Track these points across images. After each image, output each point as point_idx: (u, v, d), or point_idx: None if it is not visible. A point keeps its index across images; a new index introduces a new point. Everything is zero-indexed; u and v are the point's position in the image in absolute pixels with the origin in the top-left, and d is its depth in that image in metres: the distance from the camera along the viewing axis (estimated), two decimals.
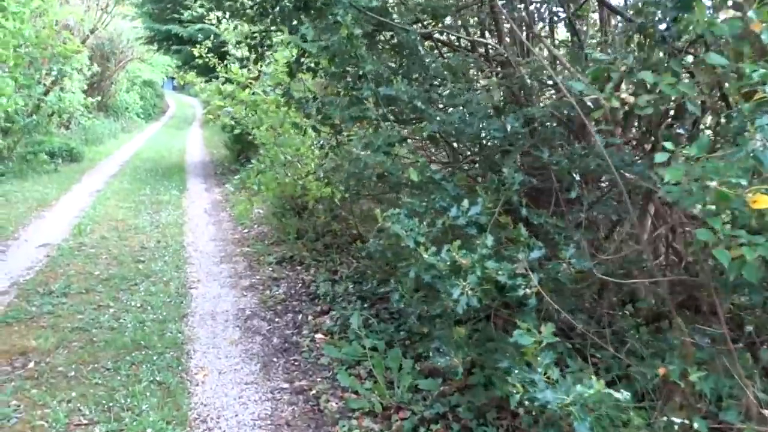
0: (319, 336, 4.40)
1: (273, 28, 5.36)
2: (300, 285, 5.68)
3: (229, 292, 5.58)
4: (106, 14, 18.32)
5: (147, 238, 7.51)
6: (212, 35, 9.64)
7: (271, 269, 6.21)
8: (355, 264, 5.87)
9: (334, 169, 6.65)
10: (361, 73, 3.41)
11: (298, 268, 6.19)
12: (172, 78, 45.62)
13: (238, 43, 7.60)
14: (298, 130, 6.37)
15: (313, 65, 5.12)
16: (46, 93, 14.62)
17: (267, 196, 7.15)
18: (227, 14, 6.61)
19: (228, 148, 15.44)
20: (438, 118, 3.33)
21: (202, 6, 9.70)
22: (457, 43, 4.43)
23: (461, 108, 3.40)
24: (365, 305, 4.61)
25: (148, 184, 11.81)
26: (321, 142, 6.03)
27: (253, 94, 6.58)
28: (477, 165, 3.74)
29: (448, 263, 2.56)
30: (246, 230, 8.00)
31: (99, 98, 19.91)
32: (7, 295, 5.28)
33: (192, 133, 25.70)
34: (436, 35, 4.13)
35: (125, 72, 25.41)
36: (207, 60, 9.34)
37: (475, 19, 4.33)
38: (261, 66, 6.68)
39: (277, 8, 4.82)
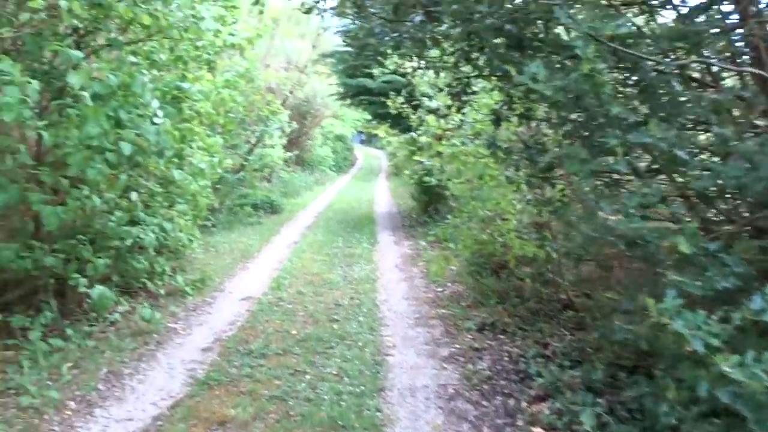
0: (538, 431, 3.69)
1: (475, 73, 4.94)
2: (506, 359, 5.01)
3: (428, 363, 5.08)
4: (303, 74, 19.61)
5: (341, 294, 7.36)
6: (402, 87, 9.61)
7: (471, 337, 5.62)
8: (568, 337, 5.08)
9: (541, 226, 5.99)
10: (604, 117, 2.77)
11: (501, 336, 5.53)
12: (360, 132, 48.40)
13: (440, 90, 7.34)
14: (499, 183, 5.83)
15: (524, 111, 4.59)
16: (250, 151, 15.79)
17: (462, 253, 6.64)
18: (422, 63, 6.39)
19: (415, 199, 15.38)
20: (710, 171, 2.56)
21: (396, 59, 9.76)
22: (710, 77, 3.60)
23: (742, 157, 2.60)
24: (594, 396, 3.81)
25: (340, 236, 11.98)
26: (528, 197, 5.42)
27: (452, 145, 6.20)
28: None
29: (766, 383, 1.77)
30: (440, 289, 7.54)
31: (297, 153, 21.21)
32: (210, 352, 5.29)
33: (379, 184, 26.46)
34: (693, 66, 3.36)
35: (320, 128, 27.09)
36: (400, 111, 9.25)
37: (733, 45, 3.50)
38: (459, 115, 6.30)
39: (484, 52, 4.38)
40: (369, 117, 13.94)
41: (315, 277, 8.24)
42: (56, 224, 4.27)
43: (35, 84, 3.94)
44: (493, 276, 7.19)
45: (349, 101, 14.22)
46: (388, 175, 30.45)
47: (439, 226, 10.06)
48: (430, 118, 6.34)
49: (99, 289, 5.43)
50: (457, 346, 5.46)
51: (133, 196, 6.89)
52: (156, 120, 6.02)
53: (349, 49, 13.38)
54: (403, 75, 10.46)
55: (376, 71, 11.56)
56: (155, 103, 6.11)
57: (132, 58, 6.09)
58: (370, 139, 54.89)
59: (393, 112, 9.67)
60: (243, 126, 14.80)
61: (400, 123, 10.81)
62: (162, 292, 6.94)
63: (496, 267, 7.28)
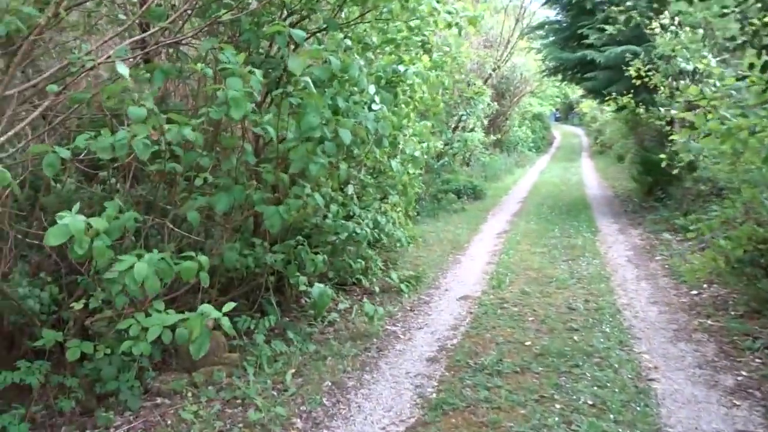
0: None
1: None
2: None
3: (709, 395, 4.00)
4: (506, 51, 18.59)
5: (571, 295, 6.43)
6: (634, 55, 8.26)
7: (759, 361, 4.40)
8: None
9: None
10: None
11: None
12: (556, 109, 45.88)
13: (704, 47, 6.00)
14: None
15: None
16: (452, 135, 15.23)
17: (733, 251, 5.33)
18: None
19: (636, 180, 13.69)
20: None
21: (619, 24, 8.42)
22: None
23: None
24: None
25: (554, 223, 10.92)
26: None
27: (720, 118, 4.87)
28: None
29: None
30: (694, 291, 6.26)
31: (499, 136, 20.31)
32: (436, 364, 4.72)
33: (583, 163, 24.57)
34: None
35: (518, 107, 25.82)
36: (647, 78, 7.90)
37: None
38: (730, 80, 4.98)
39: None
40: (584, 91, 12.53)
41: (537, 274, 7.38)
42: (279, 225, 3.97)
43: (258, 74, 3.59)
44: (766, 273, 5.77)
45: (561, 76, 12.96)
46: (592, 154, 28.24)
47: (704, 222, 8.58)
48: (693, 88, 5.09)
49: (319, 288, 5.14)
50: (744, 374, 4.28)
51: (349, 189, 6.62)
52: (374, 106, 5.60)
53: (560, 18, 12.14)
54: (637, 41, 9.09)
55: (594, 39, 10.20)
56: (372, 88, 5.68)
57: (347, 42, 5.70)
58: (566, 116, 52.03)
59: (633, 82, 8.28)
60: (446, 109, 14.29)
61: (638, 93, 9.34)
62: (376, 289, 6.59)
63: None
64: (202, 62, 4.06)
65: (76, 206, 2.89)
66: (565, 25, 12.05)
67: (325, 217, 5.99)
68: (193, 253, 3.35)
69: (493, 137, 19.51)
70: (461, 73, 14.12)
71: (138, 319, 3.24)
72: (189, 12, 4.60)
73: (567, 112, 51.45)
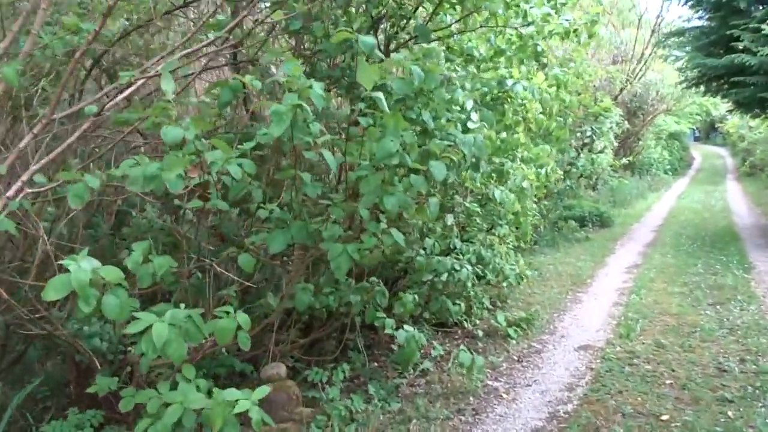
0: None
1: None
2: None
3: None
4: (641, 65, 17.10)
5: (721, 350, 5.22)
6: None
7: None
8: None
9: None
10: None
11: None
12: (695, 128, 42.21)
13: None
14: None
15: None
16: (577, 156, 14.00)
17: None
18: None
19: None
20: None
21: None
22: None
23: None
24: None
25: (696, 257, 9.45)
26: None
27: None
28: None
29: None
30: None
31: (630, 158, 18.66)
32: None
33: (729, 187, 22.00)
34: None
35: (652, 126, 23.74)
36: None
37: None
38: None
39: None
40: (732, 104, 10.89)
41: (675, 320, 6.17)
42: (347, 266, 3.31)
43: (317, 87, 2.99)
44: None
45: (703, 88, 11.40)
46: (739, 177, 25.30)
47: None
48: None
49: (407, 333, 4.43)
50: None
51: (449, 219, 5.88)
52: (470, 125, 4.85)
53: (703, 23, 10.65)
54: None
55: (748, 42, 8.73)
56: (470, 104, 4.94)
57: (443, 53, 5.02)
58: (707, 136, 47.82)
59: None
60: (569, 128, 13.15)
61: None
62: (480, 333, 5.76)
63: None
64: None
65: (84, 251, 2.39)
66: (709, 29, 10.55)
67: (421, 252, 5.28)
68: (230, 308, 2.75)
69: (624, 159, 17.87)
70: (587, 89, 12.95)
71: (161, 391, 2.69)
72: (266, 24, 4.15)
73: (708, 131, 47.48)
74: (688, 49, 11.13)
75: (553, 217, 12.57)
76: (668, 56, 13.64)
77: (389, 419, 4.07)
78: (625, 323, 6.08)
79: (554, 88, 7.72)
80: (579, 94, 12.59)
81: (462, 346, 4.97)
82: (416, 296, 5.01)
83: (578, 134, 13.54)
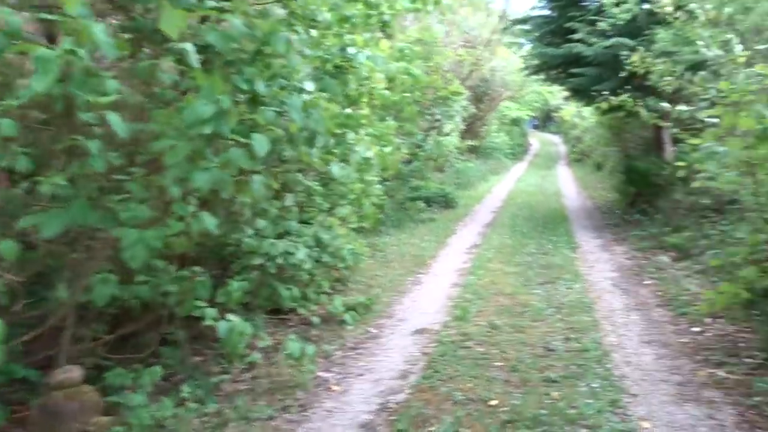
0: None
1: None
2: None
3: None
4: (485, 51, 17.64)
5: (549, 330, 5.34)
6: (630, 49, 7.23)
7: None
8: None
9: None
10: None
11: None
12: (533, 116, 45.17)
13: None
14: None
15: None
16: (425, 138, 14.17)
17: (757, 281, 4.27)
18: None
19: (618, 190, 12.73)
20: None
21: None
22: None
23: None
24: None
25: (530, 237, 9.88)
26: None
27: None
28: None
29: None
30: (696, 328, 5.21)
31: (476, 143, 19.29)
32: None
33: (561, 172, 23.72)
34: None
35: (495, 112, 24.88)
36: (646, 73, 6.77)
37: None
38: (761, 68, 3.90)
39: None
40: (569, 92, 11.50)
41: (509, 300, 6.29)
42: (143, 256, 2.80)
43: (99, 29, 2.42)
44: None
45: (543, 76, 11.93)
46: (570, 162, 27.43)
47: (676, 232, 7.54)
48: (724, 83, 4.01)
49: (229, 323, 3.98)
50: None
51: (288, 199, 5.47)
52: (305, 95, 4.46)
53: (546, 12, 11.09)
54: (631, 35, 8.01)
55: (583, 33, 9.12)
56: (306, 69, 4.55)
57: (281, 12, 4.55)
58: (544, 124, 51.38)
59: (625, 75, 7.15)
60: (419, 110, 13.22)
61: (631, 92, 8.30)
62: (315, 319, 5.45)
63: None
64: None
65: None
66: (550, 19, 11.01)
67: (250, 234, 4.84)
68: None
69: (469, 143, 18.48)
70: (437, 72, 13.08)
71: None
72: None
73: (545, 120, 50.93)
74: (532, 37, 11.57)
75: (400, 198, 12.61)
76: (514, 44, 14.16)
77: (203, 424, 3.62)
78: (461, 305, 6.09)
79: (401, 63, 7.58)
80: (430, 75, 12.70)
81: (292, 336, 4.60)
82: (246, 282, 4.58)
83: (427, 117, 13.67)
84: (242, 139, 3.28)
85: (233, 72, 3.86)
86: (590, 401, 3.86)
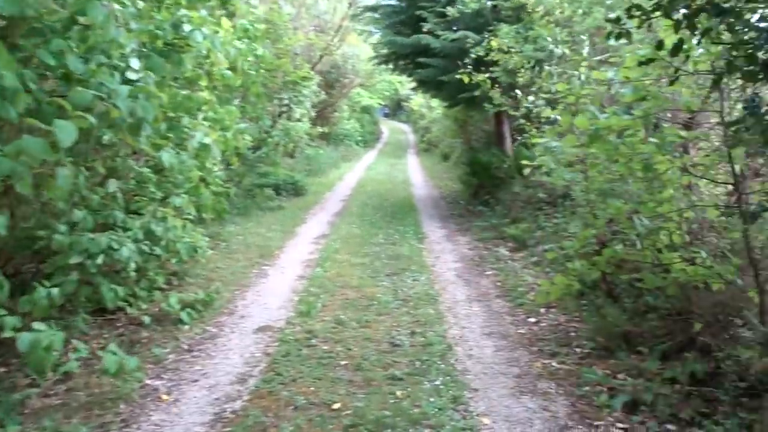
0: None
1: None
2: None
3: None
4: (336, 37, 17.46)
5: (395, 324, 5.30)
6: (475, 44, 7.39)
7: (621, 427, 3.52)
8: None
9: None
10: None
11: (671, 428, 3.43)
12: (385, 105, 46.06)
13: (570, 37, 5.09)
14: (662, 177, 3.68)
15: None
16: (273, 124, 13.72)
17: (587, 273, 4.49)
18: None
19: (462, 181, 13.22)
20: None
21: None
22: None
23: None
24: None
25: (378, 227, 9.90)
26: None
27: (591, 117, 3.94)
28: None
29: None
30: (532, 318, 5.43)
31: (327, 129, 19.08)
32: None
33: (410, 161, 24.29)
34: None
35: (347, 99, 24.92)
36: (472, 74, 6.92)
37: None
38: (597, 73, 4.07)
39: None
40: (418, 82, 11.64)
41: (356, 293, 6.18)
42: None
43: None
44: (608, 298, 5.10)
45: (392, 65, 11.96)
46: (419, 151, 28.24)
47: (514, 223, 7.88)
48: (560, 84, 4.14)
49: (32, 335, 3.43)
50: None
51: (111, 185, 4.87)
52: (130, 74, 3.97)
53: (395, 2, 11.08)
54: (477, 30, 8.20)
55: (432, 24, 9.22)
56: (133, 44, 4.06)
57: None
58: (394, 113, 52.56)
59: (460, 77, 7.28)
60: (266, 94, 12.71)
61: (459, 90, 8.56)
62: (147, 319, 4.96)
63: (609, 284, 5.17)
64: None
65: None
66: (400, 8, 11.03)
67: (62, 230, 4.23)
68: None
69: (320, 129, 18.25)
70: (286, 55, 12.66)
71: None
72: None
73: (396, 109, 52.05)
74: (380, 26, 11.54)
75: (247, 185, 12.12)
76: (364, 31, 14.10)
77: None
78: (306, 299, 5.88)
79: (244, 42, 7.14)
80: (279, 58, 12.26)
81: (111, 346, 4.10)
82: (58, 289, 3.98)
83: (276, 101, 13.23)
84: (44, 126, 2.79)
85: (38, 44, 3.32)
86: (433, 399, 3.83)
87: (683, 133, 3.66)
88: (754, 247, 3.56)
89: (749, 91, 2.57)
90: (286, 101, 13.24)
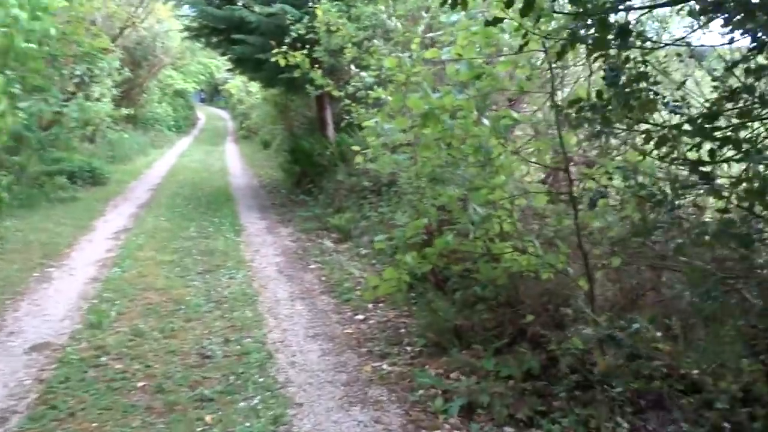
0: None
1: None
2: None
3: None
4: (141, 7, 15.85)
5: (206, 331, 4.61)
6: (296, 20, 6.78)
7: None
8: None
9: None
10: None
11: (509, 430, 3.21)
12: (201, 89, 43.71)
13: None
14: (496, 162, 3.45)
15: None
16: (67, 100, 11.99)
17: (418, 267, 4.17)
18: None
19: (284, 170, 12.62)
20: None
21: None
22: None
23: None
24: None
25: (191, 219, 8.98)
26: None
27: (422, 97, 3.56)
28: None
29: None
30: (360, 315, 5.05)
31: (132, 110, 17.25)
32: None
33: (228, 149, 23.06)
34: None
35: (157, 80, 22.92)
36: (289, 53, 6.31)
37: None
38: (431, 51, 3.71)
39: None
40: (233, 61, 10.68)
41: (161, 296, 5.35)
42: None
43: None
44: (440, 292, 4.88)
45: (204, 41, 10.86)
46: (237, 139, 26.95)
47: (338, 213, 7.48)
48: (390, 59, 3.69)
49: None
50: None
51: None
52: None
53: None
54: (301, 4, 7.58)
55: None
56: None
57: None
58: (211, 98, 50.05)
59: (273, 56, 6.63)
60: (57, 66, 10.98)
61: (276, 71, 7.95)
62: None
63: (439, 276, 4.96)
64: None
65: None
66: None
67: None
68: None
69: (125, 111, 16.43)
70: (80, 22, 11.01)
71: None
72: None
73: (213, 94, 49.71)
74: None
75: (34, 172, 10.42)
76: (173, 2, 12.73)
77: None
78: (98, 307, 4.95)
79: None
80: (69, 22, 10.63)
81: None
82: None
83: (66, 74, 11.53)
84: None
85: None
86: (250, 422, 3.26)
87: (516, 115, 3.46)
88: (584, 234, 3.47)
89: (596, 65, 2.35)
90: (78, 74, 11.58)
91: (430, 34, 4.60)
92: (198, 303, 5.21)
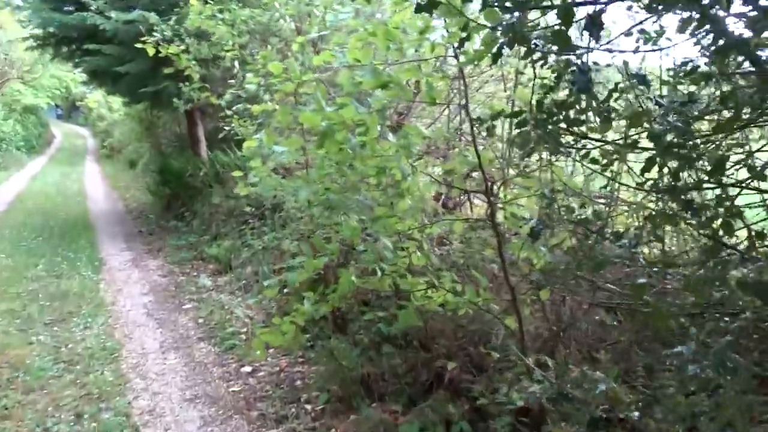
0: None
1: None
2: None
3: None
4: None
5: (53, 403, 3.68)
6: (152, 27, 5.92)
7: None
8: None
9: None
10: None
11: None
12: (57, 105, 40.22)
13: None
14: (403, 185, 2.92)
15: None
16: None
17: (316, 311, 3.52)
18: None
19: (152, 192, 11.43)
20: None
21: None
22: None
23: None
24: None
25: (40, 255, 7.72)
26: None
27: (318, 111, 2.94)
28: None
29: None
30: (247, 367, 4.30)
31: None
32: None
33: (89, 169, 21.03)
34: None
35: (1, 96, 20.50)
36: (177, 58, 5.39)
37: None
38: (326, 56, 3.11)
39: None
40: (88, 74, 9.38)
41: None
42: None
43: None
44: (336, 331, 4.27)
45: (52, 51, 9.44)
46: (99, 158, 24.74)
47: (215, 240, 6.60)
48: (274, 65, 3.04)
49: None
50: None
51: None
52: None
53: None
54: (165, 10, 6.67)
55: (101, 3, 7.35)
56: None
57: None
58: (69, 114, 46.24)
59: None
60: None
61: (137, 85, 6.99)
62: None
63: (337, 315, 4.35)
64: None
65: None
66: None
67: None
68: None
69: None
70: None
71: None
72: None
73: (71, 110, 45.98)
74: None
75: None
76: (13, 6, 11.09)
77: None
78: None
79: None
80: None
81: None
82: None
83: None
84: None
85: None
86: None
87: (427, 131, 2.96)
88: (510, 266, 3.01)
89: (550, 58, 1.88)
90: None
91: (313, 34, 4.02)
92: (42, 366, 4.23)
